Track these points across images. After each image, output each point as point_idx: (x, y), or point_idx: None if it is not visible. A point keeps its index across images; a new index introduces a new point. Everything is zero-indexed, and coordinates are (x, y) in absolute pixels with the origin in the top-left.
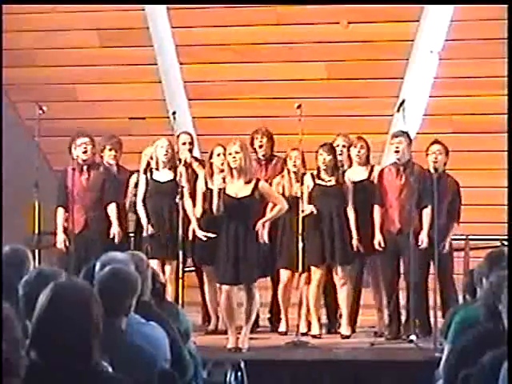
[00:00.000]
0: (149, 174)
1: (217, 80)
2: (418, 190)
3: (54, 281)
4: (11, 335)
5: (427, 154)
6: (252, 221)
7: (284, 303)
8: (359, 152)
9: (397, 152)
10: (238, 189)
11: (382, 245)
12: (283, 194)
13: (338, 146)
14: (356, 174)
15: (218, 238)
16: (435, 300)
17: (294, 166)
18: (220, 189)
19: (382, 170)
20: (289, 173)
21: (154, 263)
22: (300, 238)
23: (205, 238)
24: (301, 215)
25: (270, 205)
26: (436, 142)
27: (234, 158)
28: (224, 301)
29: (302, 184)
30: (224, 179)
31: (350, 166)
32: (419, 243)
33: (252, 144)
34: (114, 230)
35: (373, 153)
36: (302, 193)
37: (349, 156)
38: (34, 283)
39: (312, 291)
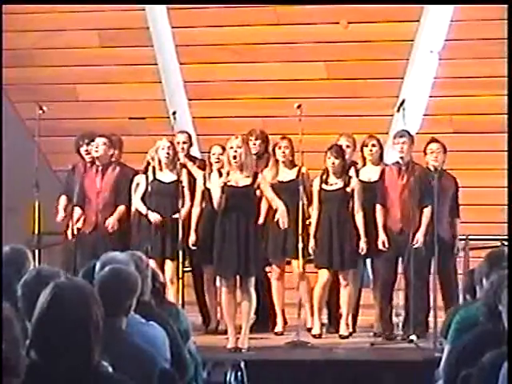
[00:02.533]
0: (151, 174)
1: (217, 80)
2: (420, 190)
3: (54, 280)
4: (11, 335)
5: (425, 153)
6: (253, 212)
7: (278, 302)
8: (371, 151)
9: (401, 152)
10: (238, 179)
11: (387, 245)
12: (272, 186)
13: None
14: (368, 173)
15: (218, 231)
16: (435, 299)
17: (284, 156)
18: (224, 183)
19: (383, 170)
20: (277, 163)
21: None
22: (300, 238)
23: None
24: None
25: (265, 201)
26: (434, 140)
27: (236, 152)
28: (225, 298)
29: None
30: (228, 173)
31: (364, 165)
32: (414, 242)
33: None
34: (110, 220)
35: None
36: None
37: (362, 155)
38: (34, 283)
39: (317, 292)
